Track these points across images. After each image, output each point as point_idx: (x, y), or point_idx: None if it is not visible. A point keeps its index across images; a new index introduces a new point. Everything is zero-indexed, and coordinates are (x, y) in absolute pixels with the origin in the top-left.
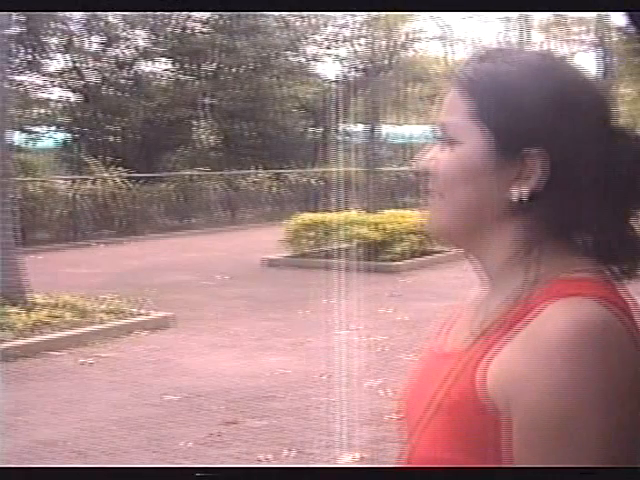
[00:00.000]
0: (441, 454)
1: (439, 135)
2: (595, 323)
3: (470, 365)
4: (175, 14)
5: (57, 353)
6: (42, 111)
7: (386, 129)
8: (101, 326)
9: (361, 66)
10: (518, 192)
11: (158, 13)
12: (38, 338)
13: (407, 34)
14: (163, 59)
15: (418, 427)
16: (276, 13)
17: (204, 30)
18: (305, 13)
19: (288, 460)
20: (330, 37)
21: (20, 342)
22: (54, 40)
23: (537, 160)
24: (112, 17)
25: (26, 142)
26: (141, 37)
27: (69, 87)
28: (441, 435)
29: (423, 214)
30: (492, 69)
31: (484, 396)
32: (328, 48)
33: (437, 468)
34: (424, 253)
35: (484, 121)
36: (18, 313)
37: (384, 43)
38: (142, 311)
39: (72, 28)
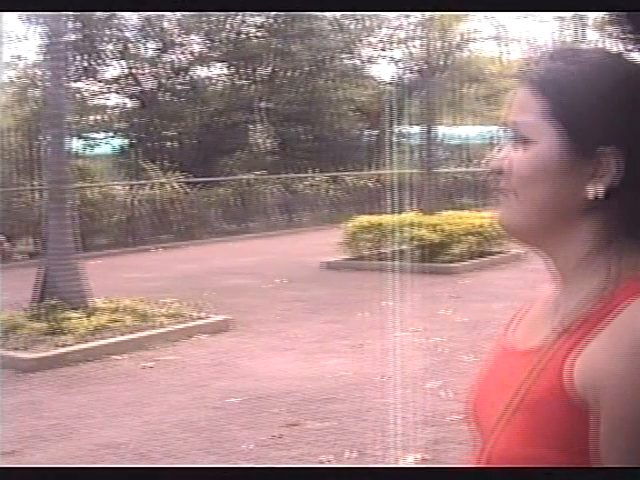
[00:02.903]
0: (524, 450)
1: (511, 134)
2: None
3: (555, 361)
4: (230, 19)
5: (118, 357)
6: (99, 117)
7: (442, 130)
8: (161, 330)
9: (416, 67)
10: (594, 190)
11: (213, 19)
12: (99, 342)
13: (462, 34)
14: (218, 64)
15: (498, 425)
16: (329, 15)
17: (259, 34)
18: (359, 15)
19: (349, 461)
20: (385, 39)
21: (81, 346)
22: (110, 47)
23: (612, 159)
24: (167, 23)
25: (84, 148)
26: (196, 42)
27: (125, 93)
28: (524, 432)
29: (495, 213)
30: (564, 68)
31: (572, 392)
32: (383, 50)
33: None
34: (483, 254)
35: (558, 120)
36: (79, 318)
37: (439, 44)
38: (202, 314)
39: (127, 35)
